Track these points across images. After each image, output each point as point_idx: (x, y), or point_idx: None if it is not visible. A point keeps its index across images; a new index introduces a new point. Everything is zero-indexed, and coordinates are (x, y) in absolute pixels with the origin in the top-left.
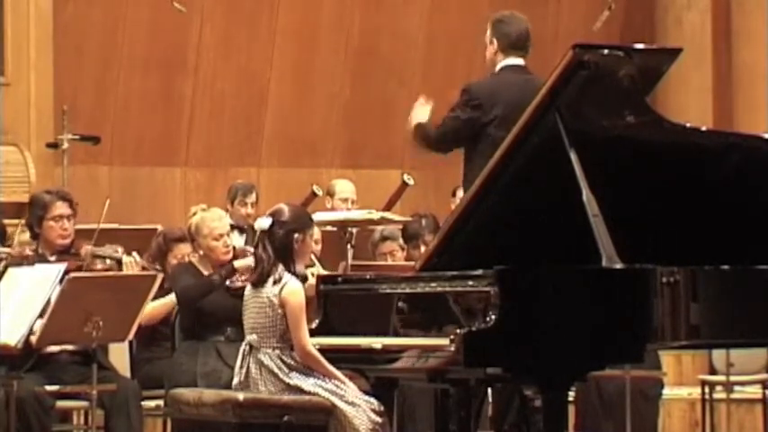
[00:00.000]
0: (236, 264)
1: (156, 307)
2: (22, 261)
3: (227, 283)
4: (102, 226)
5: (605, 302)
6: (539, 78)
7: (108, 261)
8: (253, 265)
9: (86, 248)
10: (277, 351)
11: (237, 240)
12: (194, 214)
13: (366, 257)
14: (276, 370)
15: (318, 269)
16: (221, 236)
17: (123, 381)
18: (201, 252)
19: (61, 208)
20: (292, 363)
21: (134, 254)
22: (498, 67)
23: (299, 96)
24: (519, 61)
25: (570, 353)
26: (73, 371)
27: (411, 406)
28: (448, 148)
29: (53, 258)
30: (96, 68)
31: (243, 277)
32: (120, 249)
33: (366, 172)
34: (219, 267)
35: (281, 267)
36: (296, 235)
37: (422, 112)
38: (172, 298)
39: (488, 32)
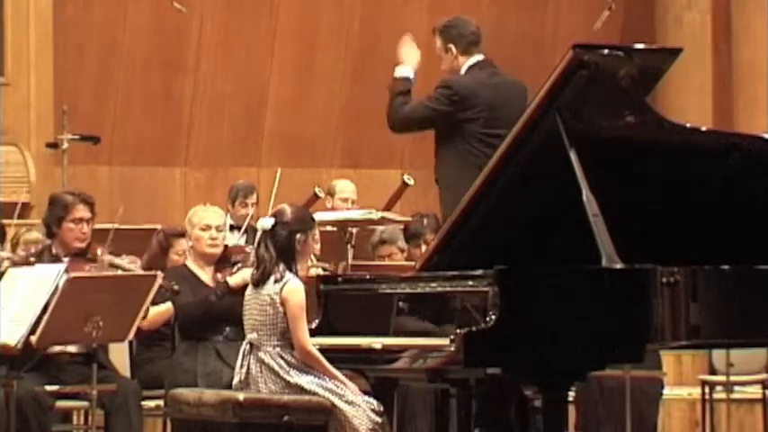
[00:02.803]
0: (231, 282)
1: (157, 313)
2: (24, 263)
3: (219, 277)
4: (104, 226)
5: (605, 302)
6: (509, 76)
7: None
8: (248, 278)
9: (104, 256)
10: (278, 349)
11: (238, 241)
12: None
13: (366, 257)
14: (277, 368)
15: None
16: (208, 227)
17: (123, 381)
18: (191, 243)
19: (82, 211)
20: (293, 361)
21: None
22: (465, 68)
23: (299, 96)
24: (481, 57)
25: (570, 353)
26: (73, 371)
27: (411, 406)
28: (407, 131)
29: (67, 260)
30: (96, 68)
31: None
32: (137, 262)
33: (366, 172)
34: (214, 272)
35: (282, 267)
36: (298, 236)
37: (412, 54)
38: (171, 305)
39: (439, 42)
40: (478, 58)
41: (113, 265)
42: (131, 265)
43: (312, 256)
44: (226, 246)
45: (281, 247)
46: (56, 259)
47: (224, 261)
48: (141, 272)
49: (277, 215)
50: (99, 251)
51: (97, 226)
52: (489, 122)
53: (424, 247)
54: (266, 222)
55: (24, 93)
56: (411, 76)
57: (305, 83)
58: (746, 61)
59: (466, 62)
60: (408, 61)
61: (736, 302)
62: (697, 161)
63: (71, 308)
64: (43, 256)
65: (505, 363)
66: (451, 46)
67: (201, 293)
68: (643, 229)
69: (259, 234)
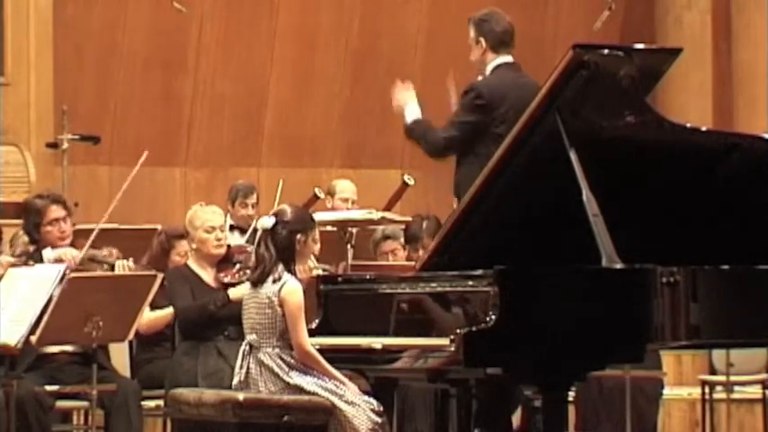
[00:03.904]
0: (231, 295)
1: (156, 318)
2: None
3: (225, 279)
4: (102, 226)
5: (605, 302)
6: (533, 79)
7: (103, 265)
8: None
9: (83, 251)
10: (277, 350)
11: (238, 241)
12: (191, 211)
13: (366, 257)
14: (276, 369)
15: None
16: (213, 228)
17: (123, 381)
18: (195, 246)
19: (56, 212)
20: (292, 362)
21: (130, 260)
22: (491, 67)
23: (299, 96)
24: (509, 58)
25: (570, 353)
26: (73, 371)
27: (411, 406)
28: (453, 153)
29: (53, 260)
30: (96, 68)
31: (238, 274)
32: (114, 252)
33: (366, 172)
34: (216, 272)
35: (280, 267)
36: (298, 236)
37: (409, 97)
38: (170, 311)
39: (472, 33)
40: (506, 59)
41: (92, 260)
42: (109, 257)
43: (313, 257)
44: (228, 246)
45: (282, 246)
46: (42, 262)
47: (225, 261)
48: (141, 271)
49: (278, 215)
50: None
51: (94, 226)
52: (514, 125)
53: (421, 252)
54: (267, 222)
55: (24, 93)
56: (419, 113)
57: (305, 83)
58: (746, 61)
59: (493, 60)
60: (409, 103)
61: (736, 302)
62: (697, 161)
63: (71, 308)
64: (32, 259)
65: (505, 363)
66: (482, 40)
67: (202, 293)
68: (643, 229)
69: (259, 233)
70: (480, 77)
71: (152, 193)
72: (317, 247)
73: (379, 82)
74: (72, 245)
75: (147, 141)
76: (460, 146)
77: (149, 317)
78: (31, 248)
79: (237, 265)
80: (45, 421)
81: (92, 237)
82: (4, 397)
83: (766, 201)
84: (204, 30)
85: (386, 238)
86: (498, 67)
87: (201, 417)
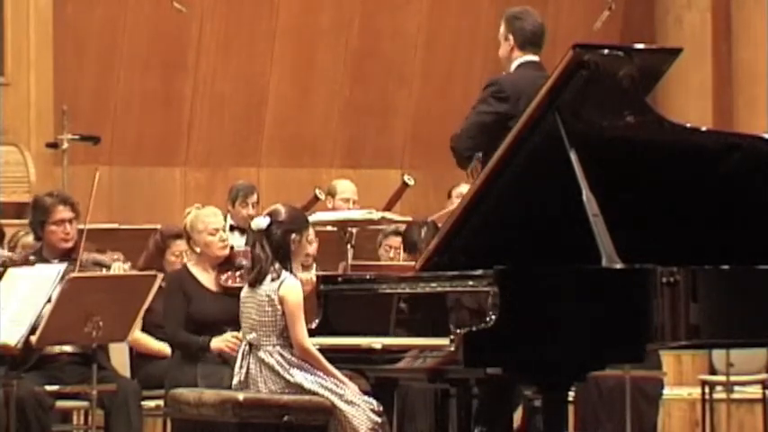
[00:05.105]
0: (213, 344)
1: (151, 345)
2: (23, 264)
3: (222, 279)
4: (101, 226)
5: (605, 302)
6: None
7: (103, 269)
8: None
9: (85, 255)
10: (277, 348)
11: (239, 241)
12: (189, 214)
13: (366, 257)
14: (277, 367)
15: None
16: (216, 230)
17: (123, 381)
18: (198, 249)
19: (63, 212)
20: (293, 359)
21: (127, 264)
22: (516, 65)
23: (299, 96)
24: (535, 58)
25: (570, 353)
26: (73, 371)
27: (411, 406)
28: (475, 146)
29: (56, 262)
30: (96, 68)
31: (239, 278)
32: (116, 256)
33: (366, 172)
34: (218, 274)
35: (278, 266)
36: (293, 235)
37: None
38: (164, 350)
39: (503, 28)
40: (532, 58)
41: (97, 263)
42: (116, 263)
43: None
44: (231, 247)
45: (277, 246)
46: (45, 262)
47: (227, 264)
48: (140, 272)
49: (272, 215)
50: (83, 253)
51: (96, 226)
52: None
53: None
54: (261, 222)
55: (24, 93)
56: None
57: (305, 83)
58: (746, 61)
59: (518, 58)
60: None
61: (736, 302)
62: (697, 161)
63: (71, 308)
64: (36, 258)
65: (505, 363)
66: (510, 37)
67: (200, 298)
68: (643, 229)
69: (254, 234)
70: (504, 74)
71: (152, 193)
72: (312, 247)
73: (379, 82)
74: (74, 248)
75: (147, 141)
76: (478, 136)
77: (146, 342)
78: (34, 248)
79: (238, 271)
80: (45, 421)
81: (81, 244)
82: (4, 397)
83: (766, 201)
84: (204, 30)
85: (396, 233)
86: (522, 65)
87: (201, 417)
